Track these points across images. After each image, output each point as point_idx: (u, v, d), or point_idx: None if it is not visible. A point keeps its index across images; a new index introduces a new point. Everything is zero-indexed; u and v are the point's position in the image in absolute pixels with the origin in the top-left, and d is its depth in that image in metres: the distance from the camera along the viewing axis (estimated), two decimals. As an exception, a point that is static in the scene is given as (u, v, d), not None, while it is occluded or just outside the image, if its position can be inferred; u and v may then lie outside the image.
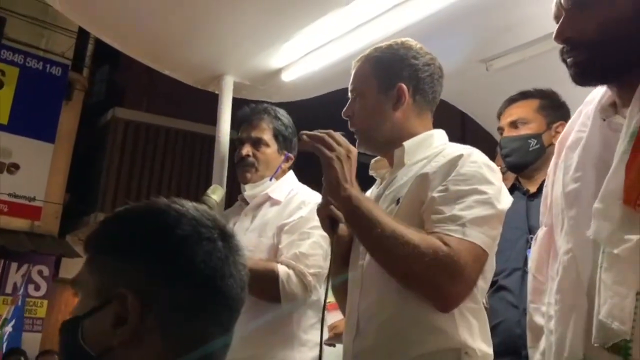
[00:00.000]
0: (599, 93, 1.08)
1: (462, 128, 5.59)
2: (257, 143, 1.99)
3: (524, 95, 1.95)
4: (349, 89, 1.46)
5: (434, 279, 1.18)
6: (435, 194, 1.24)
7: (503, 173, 2.25)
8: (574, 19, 1.00)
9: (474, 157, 1.29)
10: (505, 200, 1.28)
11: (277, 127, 2.01)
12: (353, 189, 1.24)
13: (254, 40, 2.24)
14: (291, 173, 2.06)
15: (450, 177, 1.25)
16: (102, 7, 2.20)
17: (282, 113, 2.06)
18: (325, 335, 1.96)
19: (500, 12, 1.99)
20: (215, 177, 2.37)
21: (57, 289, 7.79)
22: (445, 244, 1.18)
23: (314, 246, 1.80)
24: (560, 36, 1.01)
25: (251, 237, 1.88)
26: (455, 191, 1.23)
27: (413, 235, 1.19)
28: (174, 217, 0.76)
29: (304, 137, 1.29)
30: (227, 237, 0.78)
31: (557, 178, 1.10)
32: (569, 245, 1.01)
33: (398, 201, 1.30)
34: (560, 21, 1.02)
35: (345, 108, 1.44)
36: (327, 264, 1.79)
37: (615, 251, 0.87)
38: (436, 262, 1.16)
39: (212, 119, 2.48)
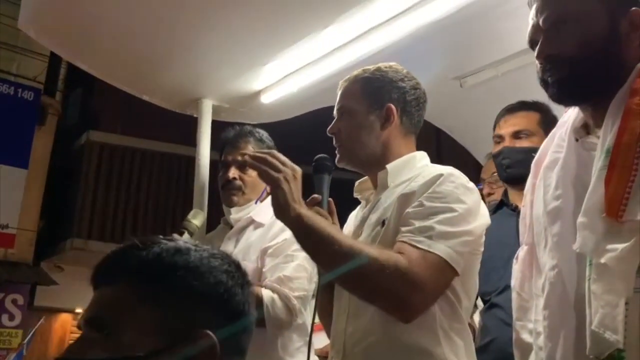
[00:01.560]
0: (571, 116, 1.12)
1: (438, 144, 5.67)
2: (244, 166, 1.96)
3: (525, 106, 1.90)
4: (336, 107, 1.48)
5: (394, 291, 1.19)
6: (410, 209, 1.26)
7: (495, 182, 2.25)
8: (554, 38, 1.04)
9: (453, 178, 1.31)
10: (478, 220, 1.30)
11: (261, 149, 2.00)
12: (302, 208, 1.23)
13: (233, 64, 2.26)
14: None
15: (426, 194, 1.27)
16: (78, 34, 2.20)
17: (266, 135, 2.05)
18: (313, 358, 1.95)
19: (473, 30, 2.04)
20: (196, 200, 2.37)
21: (32, 317, 7.59)
22: (406, 256, 1.19)
23: (298, 269, 1.79)
24: (541, 55, 1.06)
25: None
26: (429, 207, 1.25)
27: (371, 250, 1.20)
28: (212, 262, 0.78)
29: (247, 157, 1.29)
30: (240, 268, 0.82)
31: (537, 198, 1.13)
32: (554, 261, 1.04)
33: (383, 223, 1.31)
34: (540, 41, 1.06)
35: (331, 125, 1.46)
36: (312, 286, 1.80)
37: (602, 260, 0.90)
38: (396, 274, 1.16)
39: (188, 139, 2.48)
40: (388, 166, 1.39)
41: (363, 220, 1.39)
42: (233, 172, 1.97)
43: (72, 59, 2.42)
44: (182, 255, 0.76)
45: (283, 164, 1.24)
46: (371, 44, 2.03)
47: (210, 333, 0.72)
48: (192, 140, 2.55)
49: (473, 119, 2.72)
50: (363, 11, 1.88)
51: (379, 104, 1.42)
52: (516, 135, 1.87)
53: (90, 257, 7.52)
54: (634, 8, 1.03)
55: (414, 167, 1.41)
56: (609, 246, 0.89)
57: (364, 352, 1.26)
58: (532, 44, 1.08)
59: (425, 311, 1.22)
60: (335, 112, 1.48)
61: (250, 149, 1.97)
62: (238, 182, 1.96)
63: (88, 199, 7.56)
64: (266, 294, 1.74)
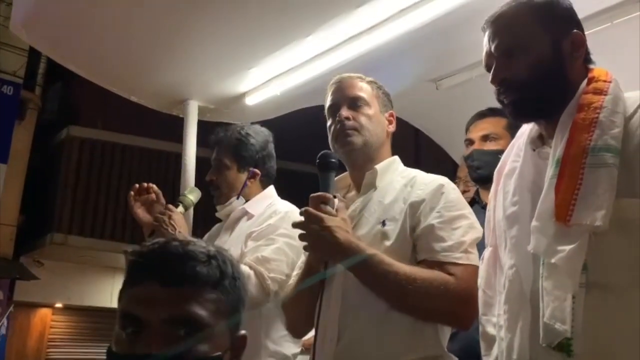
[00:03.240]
0: (527, 127, 1.24)
1: (416, 142, 5.81)
2: (219, 167, 2.06)
3: (493, 112, 2.02)
4: (347, 96, 1.53)
5: (449, 309, 1.32)
6: (433, 221, 1.37)
7: (467, 182, 2.39)
8: (506, 64, 1.15)
9: (452, 185, 1.47)
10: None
11: (235, 146, 2.05)
12: (351, 243, 1.34)
13: (219, 67, 2.35)
14: (271, 188, 2.10)
15: (442, 205, 1.39)
16: (68, 37, 2.27)
17: (249, 131, 2.09)
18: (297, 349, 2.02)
19: (449, 36, 2.14)
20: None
21: (12, 312, 7.57)
22: (451, 274, 1.32)
23: (277, 252, 1.82)
24: (495, 79, 1.17)
25: (228, 250, 1.95)
26: (449, 217, 1.38)
27: (422, 273, 1.31)
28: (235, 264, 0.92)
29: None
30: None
31: (498, 203, 1.25)
32: (512, 261, 1.16)
33: (384, 223, 1.40)
34: (493, 67, 1.17)
35: (343, 111, 1.50)
36: (293, 272, 1.80)
37: (553, 260, 1.02)
38: (448, 294, 1.30)
39: (169, 135, 2.56)
40: (377, 167, 1.50)
41: (354, 217, 1.46)
42: (209, 175, 2.09)
43: (61, 60, 2.48)
44: (233, 266, 0.89)
45: (314, 217, 1.36)
46: (351, 50, 2.14)
47: (245, 333, 0.88)
48: (172, 135, 2.60)
49: (448, 120, 2.83)
50: (343, 21, 1.99)
51: (387, 107, 1.58)
52: (484, 138, 2.01)
53: (70, 252, 7.52)
54: (574, 30, 1.15)
55: (396, 170, 1.53)
56: (559, 247, 1.01)
57: (363, 339, 1.34)
58: (488, 68, 1.19)
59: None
60: (342, 100, 1.52)
61: (224, 149, 2.05)
62: (215, 183, 2.07)
63: (68, 194, 7.54)
64: (243, 269, 1.75)
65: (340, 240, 1.33)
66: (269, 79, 2.41)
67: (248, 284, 1.70)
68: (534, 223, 1.07)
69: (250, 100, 2.56)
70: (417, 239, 1.38)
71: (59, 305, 8.25)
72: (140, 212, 2.03)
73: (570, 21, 1.16)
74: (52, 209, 7.51)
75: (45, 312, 8.26)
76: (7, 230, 7.33)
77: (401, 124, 2.46)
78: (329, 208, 1.38)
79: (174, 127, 2.63)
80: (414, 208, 1.40)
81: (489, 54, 1.18)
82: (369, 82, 1.58)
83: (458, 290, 1.31)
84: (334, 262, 1.40)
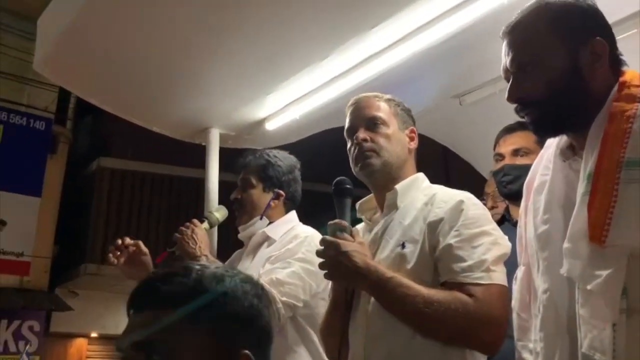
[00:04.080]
0: (556, 137, 1.17)
1: (444, 158, 5.73)
2: (244, 185, 2.07)
3: (522, 126, 1.92)
4: (366, 116, 1.50)
5: (470, 333, 1.26)
6: (451, 240, 1.31)
7: (495, 198, 2.32)
8: (521, 81, 1.09)
9: (474, 200, 1.40)
10: (506, 238, 1.38)
11: (262, 166, 2.06)
12: (370, 267, 1.31)
13: (238, 94, 2.36)
14: (292, 213, 2.09)
15: (460, 222, 1.33)
16: (90, 73, 2.31)
17: (277, 154, 2.11)
18: None
19: (469, 52, 2.10)
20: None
21: (48, 343, 7.67)
22: (471, 295, 1.25)
23: (292, 275, 1.79)
24: (511, 97, 1.11)
25: None
26: (469, 235, 1.31)
27: (439, 295, 1.26)
28: (245, 287, 0.85)
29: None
30: (264, 290, 0.90)
31: (528, 220, 1.18)
32: (546, 285, 1.09)
33: (403, 245, 1.36)
34: (509, 84, 1.11)
35: (360, 133, 1.48)
36: (310, 300, 1.81)
37: (589, 287, 0.94)
38: (468, 316, 1.23)
39: (198, 161, 2.56)
40: (397, 187, 1.46)
41: (374, 240, 1.44)
42: (235, 193, 2.08)
43: (85, 95, 2.53)
44: (219, 282, 0.83)
45: (331, 245, 1.34)
46: (369, 70, 2.11)
47: (249, 353, 0.79)
48: (200, 162, 2.63)
49: (473, 135, 2.78)
50: (359, 42, 1.97)
51: (407, 124, 1.54)
52: (515, 153, 1.95)
53: (103, 281, 7.60)
54: (597, 38, 1.07)
55: (419, 188, 1.49)
56: (595, 272, 0.93)
57: None
58: (506, 80, 1.13)
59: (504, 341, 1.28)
60: (360, 121, 1.50)
61: (250, 169, 2.06)
62: (239, 202, 2.06)
63: (100, 225, 7.66)
64: None
65: (359, 264, 1.31)
66: (288, 103, 2.40)
67: None
68: (565, 244, 1.00)
69: (270, 126, 2.55)
70: (437, 260, 1.33)
71: (94, 334, 8.33)
72: (127, 269, 2.00)
73: (590, 27, 1.08)
74: (85, 240, 7.64)
75: (81, 342, 8.35)
76: (42, 263, 7.47)
77: (428, 141, 2.41)
78: (345, 234, 1.37)
79: (202, 154, 2.64)
80: (433, 227, 1.35)
81: (505, 69, 1.13)
82: (387, 100, 1.54)
83: (479, 313, 1.24)
84: (354, 287, 1.39)
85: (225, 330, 0.80)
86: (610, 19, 1.14)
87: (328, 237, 1.36)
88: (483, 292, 1.25)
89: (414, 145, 1.54)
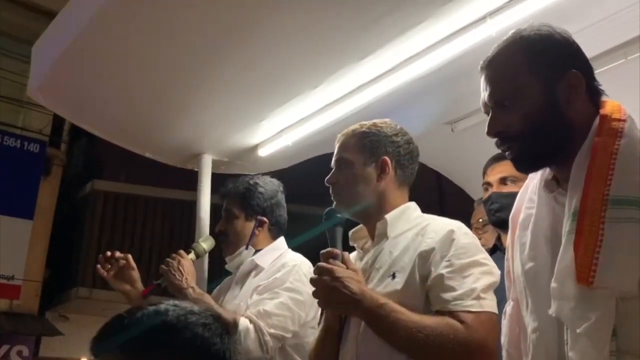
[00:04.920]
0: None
1: (439, 184, 5.76)
2: (227, 217, 2.06)
3: None
4: (334, 158, 1.56)
5: (462, 359, 1.26)
6: (442, 271, 1.32)
7: (483, 226, 2.33)
8: (500, 115, 1.09)
9: (464, 230, 1.41)
10: (496, 267, 1.39)
11: (242, 195, 2.05)
12: (364, 293, 1.31)
13: (230, 121, 2.37)
14: (281, 240, 2.08)
15: (452, 252, 1.34)
16: (83, 99, 2.32)
17: (258, 180, 2.11)
18: None
19: (462, 80, 2.11)
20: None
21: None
22: (462, 321, 1.26)
23: (280, 306, 1.78)
24: (491, 131, 1.11)
25: (237, 304, 1.92)
26: (460, 265, 1.32)
27: (431, 321, 1.27)
28: (190, 318, 0.88)
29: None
30: (219, 320, 0.91)
31: (515, 255, 1.17)
32: (535, 324, 1.08)
33: (394, 275, 1.37)
34: (489, 118, 1.11)
35: (329, 176, 1.55)
36: (298, 330, 1.80)
37: (578, 331, 0.92)
38: (458, 342, 1.24)
39: (191, 185, 2.56)
40: (387, 216, 1.47)
41: (366, 270, 1.45)
42: (220, 225, 2.08)
43: (77, 121, 2.54)
44: (160, 316, 0.86)
45: (327, 271, 1.34)
46: (362, 98, 2.13)
47: None
48: (193, 185, 2.63)
49: (465, 161, 2.80)
50: (350, 71, 2.00)
51: (375, 156, 1.51)
52: (503, 181, 1.97)
53: (95, 305, 7.50)
54: (572, 70, 1.06)
55: (410, 218, 1.49)
56: (584, 314, 0.92)
57: None
58: (487, 113, 1.13)
59: None
60: (333, 163, 1.57)
61: (232, 198, 2.06)
62: (224, 234, 2.06)
63: (93, 247, 7.59)
64: (242, 322, 1.73)
65: (353, 290, 1.31)
66: (281, 130, 2.42)
67: (246, 339, 1.69)
68: (553, 284, 0.98)
69: (262, 152, 2.56)
70: (429, 290, 1.33)
71: (84, 359, 8.21)
72: (115, 281, 2.02)
73: (565, 60, 1.08)
74: (77, 263, 7.57)
75: (71, 367, 8.23)
76: (33, 286, 7.39)
77: (421, 166, 2.41)
78: (338, 262, 1.37)
79: (196, 176, 2.65)
80: (424, 258, 1.36)
81: (484, 103, 1.13)
82: (359, 134, 1.54)
83: (469, 339, 1.24)
84: (347, 314, 1.39)
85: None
86: (597, 49, 1.15)
87: (322, 264, 1.36)
88: (473, 319, 1.27)
89: (386, 175, 1.51)
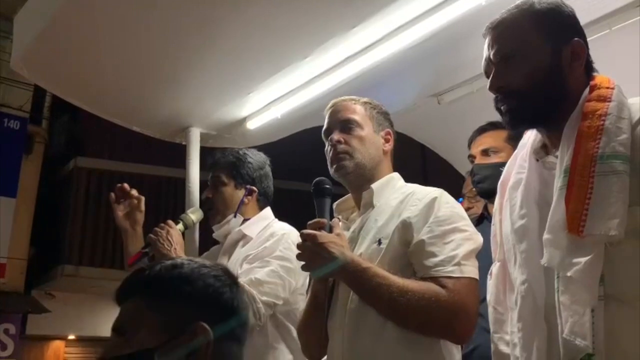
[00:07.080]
0: (530, 137, 1.22)
1: (423, 157, 5.80)
2: (215, 184, 2.06)
3: (493, 126, 2.03)
4: (337, 119, 1.56)
5: (442, 322, 1.30)
6: (424, 237, 1.36)
7: (475, 196, 2.38)
8: (503, 71, 1.14)
9: (446, 198, 1.45)
10: (479, 234, 1.43)
11: (232, 163, 2.06)
12: (346, 256, 1.34)
13: (218, 93, 2.36)
14: (268, 210, 2.09)
15: (432, 220, 1.38)
16: (69, 72, 2.29)
17: (247, 151, 2.12)
18: None
19: (450, 51, 2.14)
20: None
21: (24, 346, 7.56)
22: (444, 286, 1.30)
23: (271, 274, 1.80)
24: (493, 86, 1.16)
25: None
26: (441, 231, 1.36)
27: (414, 285, 1.31)
28: (202, 270, 0.97)
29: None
30: (228, 272, 1.02)
31: (505, 217, 1.22)
32: (524, 276, 1.13)
33: (380, 242, 1.41)
34: (491, 74, 1.16)
35: (336, 135, 1.53)
36: (289, 296, 1.83)
37: (569, 274, 0.99)
38: (440, 306, 1.28)
39: (176, 161, 2.55)
40: (373, 186, 1.50)
41: (354, 238, 1.47)
42: (207, 192, 2.09)
43: (63, 95, 2.50)
44: (176, 269, 0.96)
45: (312, 237, 1.36)
46: (350, 70, 2.14)
47: (204, 324, 0.90)
48: (179, 162, 2.62)
49: (452, 134, 2.82)
50: (340, 42, 1.99)
51: (382, 127, 1.58)
52: (485, 152, 2.02)
53: (81, 283, 7.51)
54: (575, 39, 1.13)
55: (395, 187, 1.53)
56: (574, 260, 0.99)
57: None
58: (487, 75, 1.18)
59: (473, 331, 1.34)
60: (334, 124, 1.55)
61: (222, 166, 2.07)
62: (211, 201, 2.06)
63: (78, 225, 7.56)
64: None
65: (335, 254, 1.34)
66: (269, 102, 2.41)
67: None
68: (545, 236, 1.05)
69: (251, 125, 2.56)
70: (411, 256, 1.37)
71: (72, 337, 8.23)
72: (120, 216, 2.05)
73: (571, 29, 1.15)
74: (62, 241, 7.54)
75: (58, 344, 8.24)
76: (18, 264, 7.34)
77: (406, 139, 2.43)
78: (324, 232, 1.39)
79: (181, 153, 2.64)
80: (407, 224, 1.39)
81: (488, 60, 1.18)
82: (363, 104, 1.58)
83: (451, 303, 1.29)
84: (331, 277, 1.42)
85: (179, 308, 0.92)
86: (582, 20, 1.19)
87: (305, 230, 1.39)
88: (454, 284, 1.30)
89: (389, 146, 1.57)
